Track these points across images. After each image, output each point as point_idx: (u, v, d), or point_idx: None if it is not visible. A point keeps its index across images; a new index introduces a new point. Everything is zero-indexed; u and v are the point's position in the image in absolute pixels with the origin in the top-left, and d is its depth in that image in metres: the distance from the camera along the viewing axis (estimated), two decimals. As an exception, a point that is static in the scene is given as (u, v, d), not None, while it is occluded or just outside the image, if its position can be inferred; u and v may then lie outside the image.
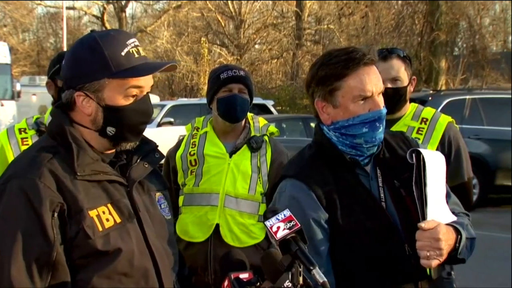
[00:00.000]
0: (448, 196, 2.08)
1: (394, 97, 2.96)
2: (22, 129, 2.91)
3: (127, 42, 1.77)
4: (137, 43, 1.80)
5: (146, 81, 1.79)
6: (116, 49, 1.75)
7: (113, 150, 1.84)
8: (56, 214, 1.66)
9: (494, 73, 21.12)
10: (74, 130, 1.78)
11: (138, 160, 1.85)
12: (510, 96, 11.72)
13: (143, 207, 1.82)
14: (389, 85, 2.94)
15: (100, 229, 1.70)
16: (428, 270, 1.94)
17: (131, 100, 1.78)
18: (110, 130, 1.78)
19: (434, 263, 1.90)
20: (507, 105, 11.23)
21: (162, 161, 3.26)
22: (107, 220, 1.72)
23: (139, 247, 1.75)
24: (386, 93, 2.94)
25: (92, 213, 1.70)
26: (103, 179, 1.76)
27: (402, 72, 3.00)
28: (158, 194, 1.92)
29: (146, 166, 1.86)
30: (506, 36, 26.92)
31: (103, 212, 1.72)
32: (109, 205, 1.74)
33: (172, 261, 1.86)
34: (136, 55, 1.78)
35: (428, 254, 1.89)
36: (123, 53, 1.75)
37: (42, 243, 1.65)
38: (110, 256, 1.70)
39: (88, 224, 1.69)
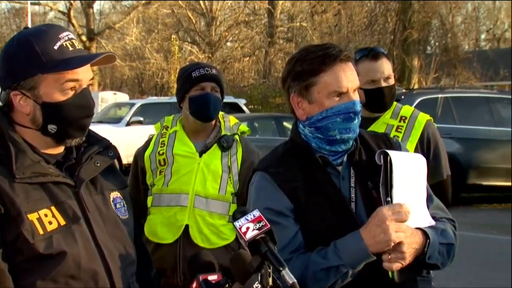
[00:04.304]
0: (430, 201, 2.09)
1: (389, 95, 3.08)
2: None
3: (59, 36, 1.75)
4: (71, 36, 1.78)
5: (83, 74, 1.77)
6: (48, 43, 1.73)
7: (61, 151, 1.83)
8: None
9: (466, 72, 21.45)
10: (13, 132, 1.76)
11: (89, 159, 1.83)
12: (482, 95, 11.92)
13: (93, 207, 1.80)
14: (384, 84, 3.06)
15: (41, 232, 1.68)
16: (390, 273, 1.95)
17: (70, 94, 1.76)
18: (52, 127, 1.76)
19: (396, 266, 1.91)
20: (479, 104, 11.44)
21: (129, 160, 3.25)
22: (50, 223, 1.70)
23: (87, 249, 1.74)
24: (383, 92, 3.05)
25: (32, 216, 1.68)
26: (46, 181, 1.74)
27: (391, 70, 3.11)
28: (113, 194, 1.89)
29: (98, 165, 1.84)
30: (478, 35, 27.40)
31: (45, 215, 1.70)
32: (52, 208, 1.72)
33: (127, 262, 1.84)
34: (71, 48, 1.76)
35: (389, 256, 1.90)
36: (55, 47, 1.73)
37: None
38: (54, 259, 1.69)
39: (27, 228, 1.67)
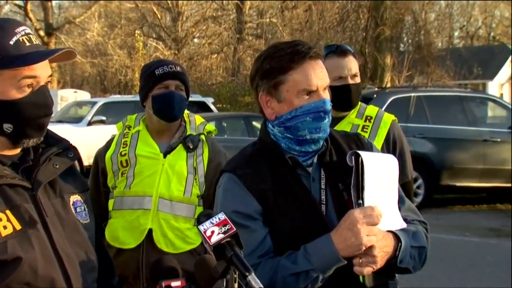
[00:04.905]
0: (401, 203, 2.11)
1: (356, 93, 3.17)
2: None
3: (16, 30, 1.74)
4: (28, 31, 1.77)
5: (41, 71, 1.76)
6: (3, 38, 1.72)
7: (17, 152, 1.81)
8: None
9: (439, 70, 21.78)
10: None
11: (47, 161, 1.82)
12: (455, 93, 12.09)
13: (51, 211, 1.79)
14: (351, 81, 3.14)
15: None
16: (361, 277, 1.96)
17: (27, 92, 1.74)
18: (7, 127, 1.74)
19: (367, 270, 1.92)
20: (453, 103, 11.61)
21: (91, 162, 3.22)
22: (5, 227, 1.68)
23: (44, 255, 1.72)
24: (350, 89, 3.11)
25: None
26: (1, 183, 1.72)
27: (357, 69, 3.20)
28: (73, 197, 1.88)
29: (57, 166, 1.83)
30: (451, 32, 27.88)
31: (0, 219, 1.68)
32: (7, 212, 1.70)
33: (88, 268, 1.83)
34: (28, 44, 1.74)
35: (360, 260, 1.92)
36: (11, 42, 1.72)
37: None
38: (9, 265, 1.66)
39: None
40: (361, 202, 1.97)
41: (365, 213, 1.92)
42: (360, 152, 2.02)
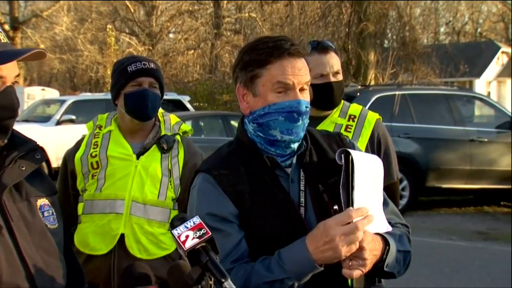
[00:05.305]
0: (385, 205, 2.13)
1: (338, 91, 3.18)
2: None
3: None
4: None
5: (8, 71, 1.76)
6: None
7: None
8: None
9: (425, 67, 21.93)
10: None
11: (13, 163, 1.81)
12: (441, 92, 12.18)
13: (17, 215, 1.78)
14: (333, 79, 3.15)
15: None
16: (349, 281, 1.98)
17: None
18: None
19: (356, 273, 1.94)
20: (438, 102, 11.71)
21: (59, 163, 3.20)
22: None
23: (10, 261, 1.72)
24: (332, 87, 3.13)
25: None
26: None
27: (339, 66, 3.21)
28: (40, 201, 1.88)
29: (23, 168, 1.83)
30: (437, 28, 28.13)
31: None
32: None
33: (56, 275, 1.82)
34: None
35: (350, 263, 1.93)
36: None
37: None
38: None
39: None
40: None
41: (342, 222, 1.90)
42: (350, 151, 2.03)
